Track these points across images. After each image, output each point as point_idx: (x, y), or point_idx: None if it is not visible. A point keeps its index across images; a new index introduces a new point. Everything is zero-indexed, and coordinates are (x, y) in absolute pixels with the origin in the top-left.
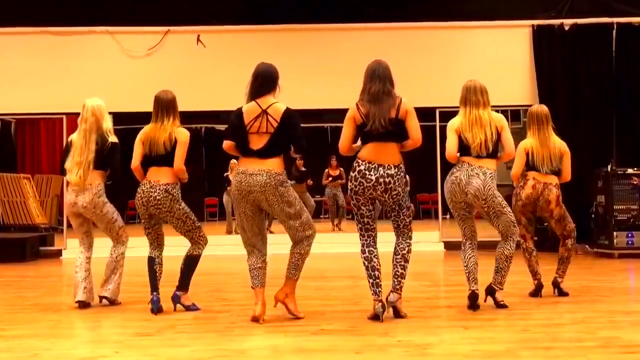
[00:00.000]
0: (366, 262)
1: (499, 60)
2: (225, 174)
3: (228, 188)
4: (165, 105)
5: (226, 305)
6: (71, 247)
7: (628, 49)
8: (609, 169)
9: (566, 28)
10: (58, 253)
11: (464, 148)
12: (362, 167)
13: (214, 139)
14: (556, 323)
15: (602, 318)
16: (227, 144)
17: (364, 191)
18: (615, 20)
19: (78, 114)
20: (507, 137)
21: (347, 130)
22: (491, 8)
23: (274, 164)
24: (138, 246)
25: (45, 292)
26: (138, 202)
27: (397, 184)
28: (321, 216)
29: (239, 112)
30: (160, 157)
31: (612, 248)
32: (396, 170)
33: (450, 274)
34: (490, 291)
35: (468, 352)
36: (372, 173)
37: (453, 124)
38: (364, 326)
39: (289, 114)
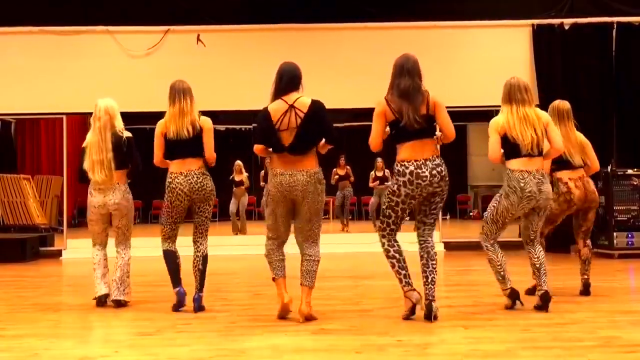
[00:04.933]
0: (397, 255)
1: (499, 59)
2: (231, 177)
3: (235, 190)
4: (181, 90)
5: (226, 305)
6: (71, 248)
7: (628, 49)
8: (609, 169)
9: (566, 27)
10: (58, 253)
11: (512, 148)
12: (412, 168)
13: (214, 139)
14: (556, 323)
15: (602, 318)
16: (257, 148)
17: (422, 191)
18: (615, 20)
19: (78, 114)
20: (556, 133)
21: (377, 126)
22: (491, 8)
23: (312, 163)
24: (138, 246)
25: (45, 292)
26: (179, 192)
27: (446, 172)
28: (326, 216)
29: (265, 113)
30: (184, 144)
31: (612, 248)
32: (440, 160)
33: (450, 274)
34: (548, 298)
35: (468, 352)
36: (424, 170)
37: (497, 123)
38: (364, 326)
39: (315, 105)
